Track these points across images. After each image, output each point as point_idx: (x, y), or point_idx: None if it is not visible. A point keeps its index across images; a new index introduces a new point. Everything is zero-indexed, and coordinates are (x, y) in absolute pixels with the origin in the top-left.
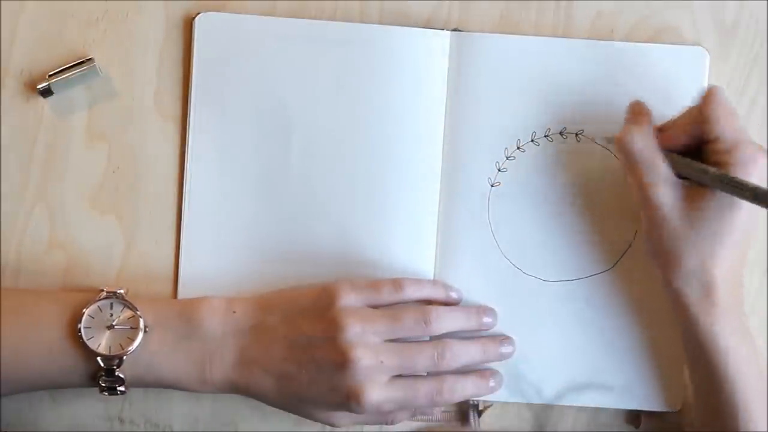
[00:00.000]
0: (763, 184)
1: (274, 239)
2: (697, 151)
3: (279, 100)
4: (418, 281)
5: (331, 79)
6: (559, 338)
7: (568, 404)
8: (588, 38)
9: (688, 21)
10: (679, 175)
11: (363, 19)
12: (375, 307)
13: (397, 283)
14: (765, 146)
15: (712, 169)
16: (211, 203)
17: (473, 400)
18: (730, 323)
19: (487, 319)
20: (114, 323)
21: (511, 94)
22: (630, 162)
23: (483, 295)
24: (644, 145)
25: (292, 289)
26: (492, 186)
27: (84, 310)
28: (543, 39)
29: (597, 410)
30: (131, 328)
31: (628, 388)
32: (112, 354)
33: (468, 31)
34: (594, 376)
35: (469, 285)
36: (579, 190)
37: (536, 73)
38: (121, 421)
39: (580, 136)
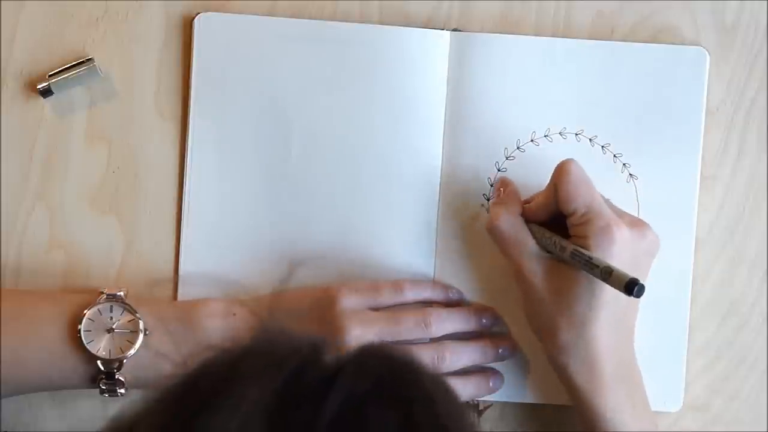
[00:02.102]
0: (621, 256)
1: (274, 238)
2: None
3: (279, 100)
4: (418, 282)
5: (331, 79)
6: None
7: (568, 404)
8: (588, 38)
9: (688, 21)
10: (547, 251)
11: (363, 19)
12: (375, 309)
13: (397, 285)
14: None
15: (569, 247)
16: (211, 203)
17: (473, 401)
18: (615, 396)
19: (486, 320)
20: (114, 326)
21: (511, 94)
22: (499, 242)
23: (482, 294)
24: (511, 225)
25: (291, 290)
26: (492, 186)
27: (84, 312)
28: (543, 39)
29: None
30: (131, 331)
31: None
32: (112, 357)
33: (468, 31)
34: None
35: (469, 285)
36: None
37: (536, 73)
38: None
39: (580, 136)
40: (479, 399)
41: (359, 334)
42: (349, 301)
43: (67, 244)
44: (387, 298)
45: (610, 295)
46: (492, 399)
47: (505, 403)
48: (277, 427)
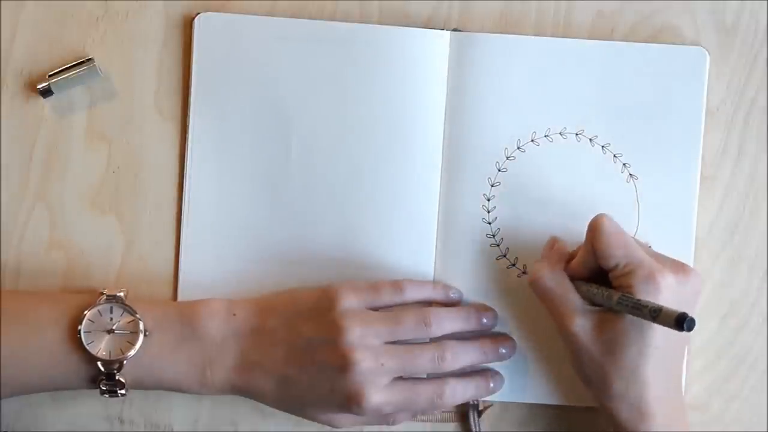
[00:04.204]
0: (669, 301)
1: (274, 239)
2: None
3: (279, 100)
4: (419, 282)
5: (331, 79)
6: (559, 337)
7: (568, 404)
8: (588, 38)
9: (688, 21)
10: (593, 303)
11: (363, 19)
12: (375, 308)
13: (397, 285)
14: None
15: (615, 295)
16: (211, 203)
17: (473, 401)
18: None
19: (487, 320)
20: (114, 327)
21: (511, 94)
22: (542, 298)
23: (482, 294)
24: (554, 281)
25: (292, 290)
26: (492, 186)
27: (84, 313)
28: (543, 39)
29: (597, 410)
30: (131, 332)
31: None
32: (112, 359)
33: (468, 31)
34: None
35: (469, 285)
36: (578, 190)
37: (536, 73)
38: (122, 421)
39: (580, 136)
40: (479, 399)
41: (359, 334)
42: (349, 301)
43: (67, 244)
44: (387, 298)
45: (659, 339)
46: (492, 399)
47: (505, 403)
48: None
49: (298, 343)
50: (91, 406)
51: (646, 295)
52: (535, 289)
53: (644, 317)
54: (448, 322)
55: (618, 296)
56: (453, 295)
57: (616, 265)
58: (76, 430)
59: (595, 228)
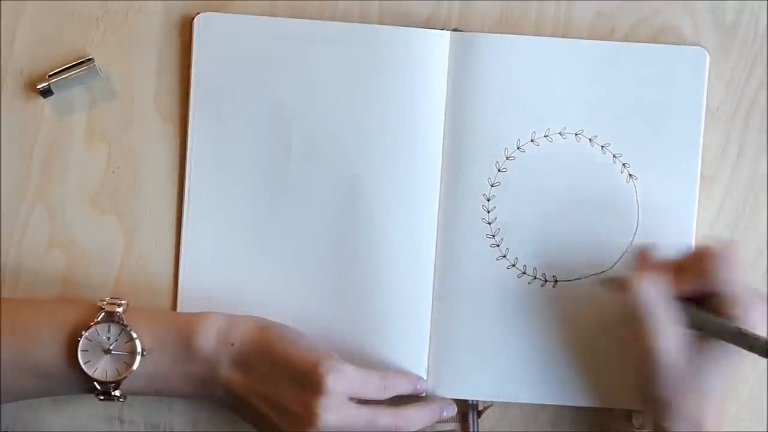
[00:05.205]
0: (764, 328)
1: (274, 238)
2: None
3: (279, 101)
4: (408, 379)
5: (331, 80)
6: (558, 337)
7: (568, 404)
8: (588, 38)
9: (688, 21)
10: (689, 325)
11: (363, 19)
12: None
13: (383, 384)
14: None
15: (731, 327)
16: (211, 203)
17: (472, 401)
18: None
19: (446, 413)
20: (111, 348)
21: (511, 94)
22: (640, 311)
23: (482, 295)
24: (658, 296)
25: (291, 343)
26: (492, 186)
27: (83, 333)
28: (543, 39)
29: (597, 410)
30: (129, 353)
31: (629, 387)
32: (108, 380)
33: (468, 31)
34: (595, 376)
35: (469, 285)
36: (578, 190)
37: (536, 73)
38: (121, 421)
39: (579, 136)
40: (478, 400)
41: (332, 425)
42: (333, 389)
43: (67, 244)
44: (372, 394)
45: (740, 370)
46: (492, 399)
47: (505, 403)
48: None
49: (277, 401)
50: (91, 406)
51: (744, 321)
52: (633, 298)
53: (742, 345)
54: (419, 422)
55: (734, 328)
56: (420, 387)
57: (730, 295)
58: (76, 430)
59: (726, 257)
